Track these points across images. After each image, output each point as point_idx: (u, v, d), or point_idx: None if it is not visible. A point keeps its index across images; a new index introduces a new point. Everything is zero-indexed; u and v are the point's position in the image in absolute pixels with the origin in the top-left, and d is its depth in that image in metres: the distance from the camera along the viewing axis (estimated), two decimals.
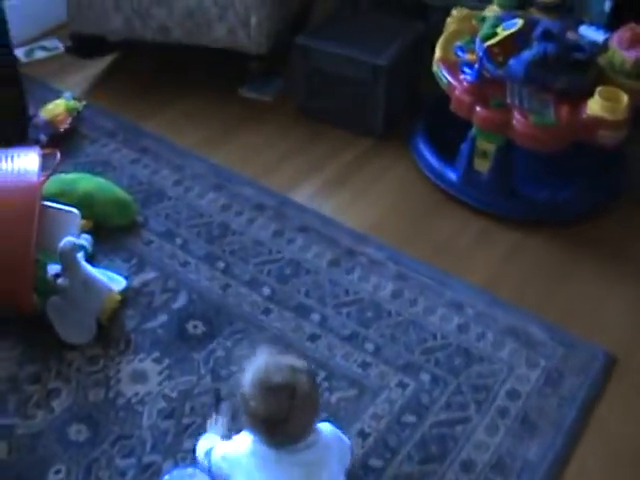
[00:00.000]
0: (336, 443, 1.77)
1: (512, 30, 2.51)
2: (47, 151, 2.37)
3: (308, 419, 1.60)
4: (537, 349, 2.27)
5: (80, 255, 2.32)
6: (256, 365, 1.58)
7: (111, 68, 3.51)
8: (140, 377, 2.17)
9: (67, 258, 2.22)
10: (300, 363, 1.60)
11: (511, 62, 2.54)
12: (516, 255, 2.61)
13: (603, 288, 2.51)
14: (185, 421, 2.06)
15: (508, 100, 2.55)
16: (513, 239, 2.67)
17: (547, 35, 2.62)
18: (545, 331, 2.32)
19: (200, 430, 2.00)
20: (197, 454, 1.90)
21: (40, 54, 3.52)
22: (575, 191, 2.76)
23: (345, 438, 1.88)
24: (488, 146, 2.64)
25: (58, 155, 2.37)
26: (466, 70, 2.65)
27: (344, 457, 1.82)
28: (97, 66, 3.48)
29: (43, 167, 2.29)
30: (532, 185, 2.77)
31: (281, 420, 1.53)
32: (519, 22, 2.53)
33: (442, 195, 2.82)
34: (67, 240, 2.20)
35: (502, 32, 2.53)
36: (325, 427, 1.77)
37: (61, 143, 2.92)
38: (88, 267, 2.30)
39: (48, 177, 2.31)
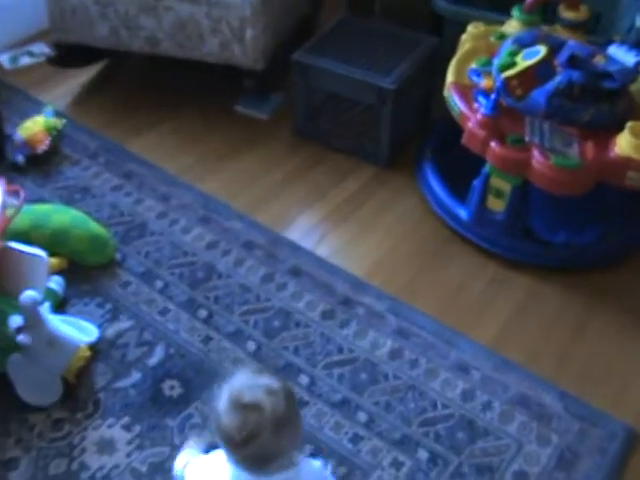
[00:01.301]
0: None
1: (533, 61, 2.24)
2: (10, 188, 2.15)
3: (279, 444, 1.48)
4: (550, 423, 2.04)
5: (46, 307, 2.11)
6: (232, 382, 1.51)
7: (98, 79, 3.31)
8: (107, 446, 1.96)
9: (29, 314, 1.99)
10: (278, 385, 1.50)
11: (533, 93, 2.29)
12: (529, 307, 2.37)
13: (626, 348, 2.26)
14: None
15: (527, 137, 2.29)
16: (527, 287, 2.42)
17: (573, 61, 2.37)
18: (559, 401, 2.09)
19: None
20: (174, 469, 1.82)
21: (25, 60, 3.32)
22: (596, 235, 2.51)
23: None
24: (503, 185, 2.38)
25: (22, 194, 2.14)
26: (480, 100, 2.39)
27: None
28: (84, 75, 3.28)
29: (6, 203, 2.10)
30: (549, 227, 2.53)
31: (245, 440, 1.44)
32: (542, 51, 2.27)
33: (451, 233, 2.58)
34: (27, 295, 1.97)
35: (522, 62, 2.27)
36: (313, 464, 1.68)
37: (40, 164, 2.76)
38: (54, 320, 2.08)
39: (10, 220, 2.09)
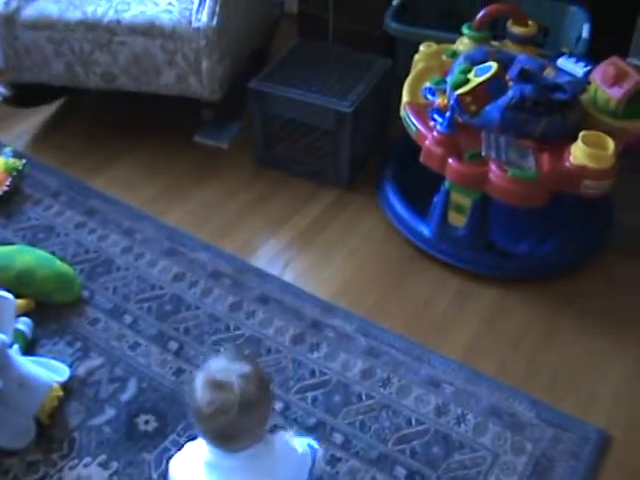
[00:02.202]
0: (290, 458, 1.76)
1: (485, 77, 2.29)
2: None
3: (243, 423, 1.60)
4: (523, 431, 2.06)
5: (15, 349, 2.11)
6: (210, 364, 1.65)
7: (57, 117, 3.31)
8: None
9: None
10: (251, 370, 1.63)
11: (487, 109, 2.33)
12: (496, 318, 2.40)
13: (593, 352, 2.30)
14: None
15: (483, 152, 2.33)
16: (492, 299, 2.46)
17: (524, 75, 2.42)
18: (531, 409, 2.11)
19: None
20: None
21: None
22: (557, 244, 2.55)
23: (305, 452, 1.83)
24: (463, 200, 2.42)
25: None
26: (436, 118, 2.43)
27: (299, 474, 1.80)
28: (42, 114, 3.28)
29: None
30: (511, 239, 2.57)
31: (212, 414, 1.57)
32: (493, 67, 2.31)
33: (415, 250, 2.61)
34: None
35: (474, 79, 2.30)
36: (286, 439, 1.79)
37: (1, 205, 2.75)
38: (24, 362, 2.07)
39: None
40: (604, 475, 1.98)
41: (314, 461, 1.88)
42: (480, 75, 2.31)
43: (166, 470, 1.95)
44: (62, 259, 2.49)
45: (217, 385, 1.58)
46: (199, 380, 1.62)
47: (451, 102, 2.36)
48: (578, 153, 2.27)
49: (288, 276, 2.54)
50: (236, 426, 1.59)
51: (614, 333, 2.36)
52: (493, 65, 2.33)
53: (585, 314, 2.42)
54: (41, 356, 2.22)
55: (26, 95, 3.11)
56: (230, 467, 1.65)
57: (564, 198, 2.39)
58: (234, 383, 1.57)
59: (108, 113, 3.34)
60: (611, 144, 2.28)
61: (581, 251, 2.59)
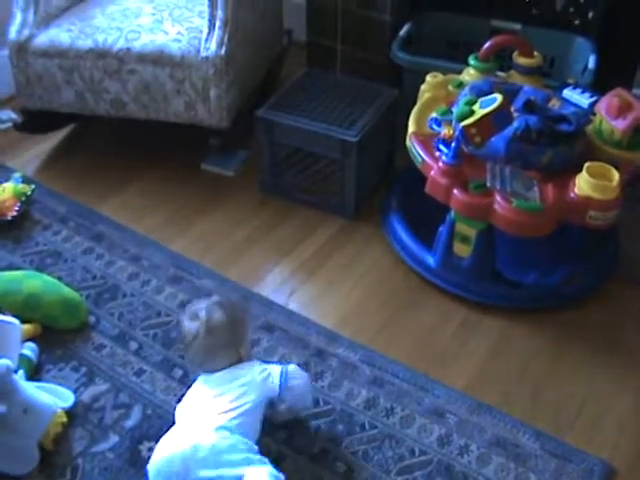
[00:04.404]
0: (250, 368, 2.05)
1: (490, 109, 2.30)
2: None
3: (215, 345, 1.98)
4: (527, 462, 2.05)
5: (20, 374, 2.12)
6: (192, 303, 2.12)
7: (66, 143, 3.34)
8: None
9: (3, 382, 1.99)
10: (220, 300, 2.06)
11: (492, 140, 2.34)
12: (501, 348, 2.40)
13: (598, 383, 2.29)
14: None
15: (488, 183, 2.34)
16: (497, 330, 2.45)
17: (529, 106, 2.44)
18: (535, 440, 2.10)
19: None
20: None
21: None
22: (564, 274, 2.55)
23: (274, 377, 2.05)
24: (468, 230, 2.42)
25: None
26: (442, 148, 2.44)
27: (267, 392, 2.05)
28: (52, 140, 3.31)
29: None
30: (517, 269, 2.57)
31: (192, 342, 1.98)
32: (497, 99, 2.32)
33: (420, 280, 2.62)
34: (1, 363, 1.97)
35: (479, 111, 2.32)
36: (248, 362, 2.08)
37: (10, 230, 2.77)
38: (29, 389, 2.07)
39: None
40: None
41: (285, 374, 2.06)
42: (485, 107, 2.32)
43: None
44: (69, 284, 2.50)
45: (191, 316, 2.01)
46: (184, 316, 2.04)
47: (456, 133, 2.38)
48: (583, 184, 2.28)
49: (293, 304, 2.54)
50: (207, 347, 1.97)
51: (620, 364, 2.36)
52: (498, 97, 2.34)
53: (591, 345, 2.42)
54: (46, 381, 2.23)
55: (36, 121, 3.14)
56: (215, 378, 1.99)
57: (571, 228, 2.39)
58: (202, 312, 1.98)
59: (116, 140, 3.37)
60: (616, 175, 2.29)
61: (588, 281, 2.59)
